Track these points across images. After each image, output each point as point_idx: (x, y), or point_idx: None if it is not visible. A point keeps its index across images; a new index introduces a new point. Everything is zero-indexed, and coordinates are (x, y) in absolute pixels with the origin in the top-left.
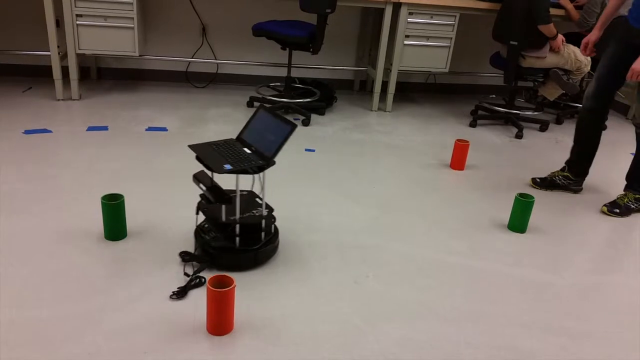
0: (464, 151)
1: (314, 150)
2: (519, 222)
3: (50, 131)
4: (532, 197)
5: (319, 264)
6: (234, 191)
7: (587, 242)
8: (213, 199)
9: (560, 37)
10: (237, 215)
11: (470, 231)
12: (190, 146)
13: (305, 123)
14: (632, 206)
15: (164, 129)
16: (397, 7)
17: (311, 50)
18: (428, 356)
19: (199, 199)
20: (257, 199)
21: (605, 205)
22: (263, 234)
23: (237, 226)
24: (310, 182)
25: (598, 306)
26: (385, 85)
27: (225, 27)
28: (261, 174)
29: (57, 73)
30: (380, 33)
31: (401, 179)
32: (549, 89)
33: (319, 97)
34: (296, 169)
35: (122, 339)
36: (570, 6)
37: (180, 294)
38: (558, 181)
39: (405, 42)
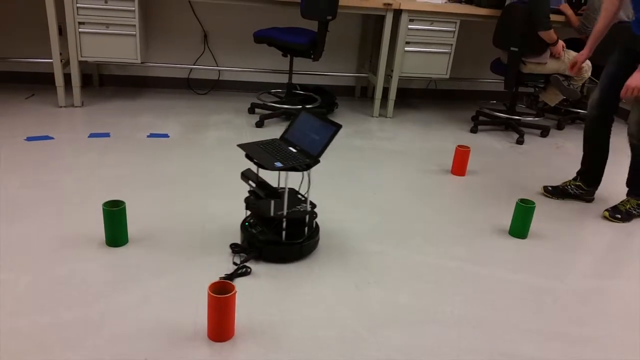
0: (465, 157)
1: None
2: (520, 227)
3: (52, 138)
4: (533, 203)
5: (320, 270)
6: (280, 188)
7: (588, 247)
8: (264, 194)
9: (561, 42)
10: (285, 211)
11: (471, 237)
12: (239, 145)
13: None
14: (634, 212)
15: (166, 136)
16: (397, 13)
17: (312, 56)
18: None
19: (199, 206)
20: (299, 196)
21: (606, 210)
22: (306, 228)
23: (284, 221)
24: (310, 189)
25: (599, 311)
26: (386, 91)
27: (226, 34)
28: (307, 172)
29: (59, 80)
30: (381, 39)
31: (403, 185)
32: (549, 94)
33: (320, 104)
34: (296, 175)
35: (123, 345)
36: (570, 12)
37: (228, 279)
38: (570, 190)
39: (406, 48)
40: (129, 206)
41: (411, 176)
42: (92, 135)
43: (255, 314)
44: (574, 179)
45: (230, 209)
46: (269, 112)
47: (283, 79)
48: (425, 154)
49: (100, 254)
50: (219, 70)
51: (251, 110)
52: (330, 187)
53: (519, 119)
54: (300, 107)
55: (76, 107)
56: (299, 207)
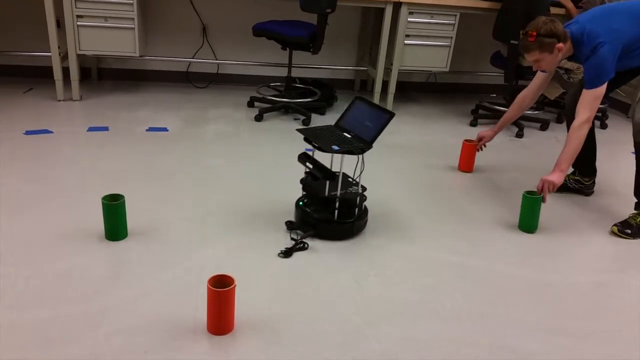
0: (472, 152)
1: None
2: (528, 220)
3: (51, 132)
4: (539, 195)
5: (320, 263)
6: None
7: (591, 242)
8: (321, 176)
9: None
10: (339, 191)
11: (475, 231)
12: (298, 129)
13: (306, 123)
14: None
15: (165, 129)
16: (397, 6)
17: (311, 50)
18: (429, 356)
19: (200, 199)
20: (349, 179)
21: (615, 225)
22: (357, 209)
23: (337, 201)
24: None
25: (601, 305)
26: (385, 84)
27: (225, 27)
28: (360, 156)
29: (57, 74)
30: (381, 33)
31: (404, 178)
32: (549, 88)
33: (320, 97)
34: (296, 170)
35: (123, 339)
36: (570, 5)
37: (287, 254)
38: (569, 185)
39: (405, 41)
40: (128, 200)
41: (413, 170)
42: (91, 129)
43: (255, 307)
44: (572, 173)
45: (230, 202)
46: (268, 105)
47: (282, 72)
48: (426, 147)
49: (100, 248)
50: (218, 64)
51: (250, 104)
52: None
53: None
54: (299, 100)
55: (75, 100)
56: (350, 189)
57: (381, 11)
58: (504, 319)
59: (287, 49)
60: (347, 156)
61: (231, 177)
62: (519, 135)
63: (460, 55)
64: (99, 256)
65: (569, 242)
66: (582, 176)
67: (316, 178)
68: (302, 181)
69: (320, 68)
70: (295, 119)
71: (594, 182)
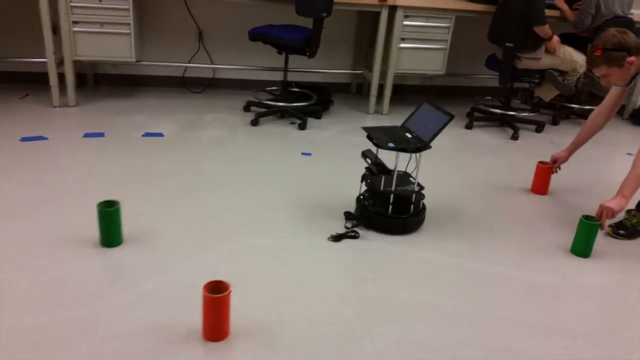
0: (547, 174)
1: (310, 154)
2: (582, 245)
3: (47, 138)
4: (597, 222)
5: (317, 267)
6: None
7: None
8: (376, 170)
9: (556, 38)
10: (393, 187)
11: (470, 233)
12: (363, 127)
13: (302, 127)
14: None
15: (161, 135)
16: (392, 10)
17: (307, 54)
18: (425, 358)
19: (196, 203)
20: (411, 179)
21: (610, 225)
22: (412, 206)
23: (392, 196)
24: (307, 186)
25: (598, 306)
26: (381, 88)
27: (221, 32)
28: (418, 154)
29: (53, 80)
30: (376, 36)
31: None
32: (544, 90)
33: (316, 101)
34: (292, 174)
35: (118, 345)
36: (565, 7)
37: (337, 239)
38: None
39: (401, 45)
40: (124, 206)
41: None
42: (86, 135)
43: (251, 312)
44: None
45: (227, 207)
46: (265, 110)
47: (278, 76)
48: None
49: (95, 255)
50: (214, 69)
51: (246, 109)
52: (326, 185)
53: (514, 115)
54: (295, 104)
55: (71, 106)
56: (407, 187)
57: (377, 15)
58: (500, 320)
59: (283, 53)
60: (422, 157)
61: (227, 181)
62: (515, 137)
63: (455, 58)
64: (94, 262)
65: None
66: None
67: (373, 173)
68: (362, 176)
69: (317, 72)
70: (291, 123)
71: None
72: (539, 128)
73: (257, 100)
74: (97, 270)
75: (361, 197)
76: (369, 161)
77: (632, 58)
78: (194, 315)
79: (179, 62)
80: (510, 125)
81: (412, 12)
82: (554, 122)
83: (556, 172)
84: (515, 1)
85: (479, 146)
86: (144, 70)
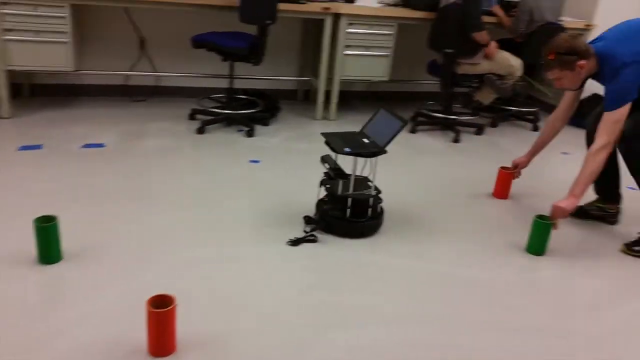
0: (509, 179)
1: (259, 162)
2: (536, 244)
3: None
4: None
5: (265, 276)
6: (357, 176)
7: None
8: (333, 174)
9: (493, 43)
10: (350, 191)
11: (428, 235)
12: (322, 133)
13: (249, 134)
14: None
15: (102, 145)
16: (336, 18)
17: (253, 61)
18: None
19: (139, 216)
20: (369, 183)
21: (626, 244)
22: (370, 210)
23: (349, 200)
24: (255, 194)
25: (537, 301)
26: (328, 94)
27: (164, 39)
28: (374, 159)
29: None
30: (322, 44)
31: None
32: (483, 93)
33: (263, 108)
34: (240, 182)
35: None
36: (501, 13)
37: (295, 243)
38: (592, 212)
39: (346, 52)
40: (63, 221)
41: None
42: (22, 148)
43: (198, 325)
44: (596, 200)
45: (171, 219)
46: (211, 117)
47: (224, 83)
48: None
49: (33, 272)
50: (157, 76)
51: (192, 117)
52: (275, 192)
53: (456, 119)
54: (242, 111)
55: (5, 118)
56: (365, 191)
57: (321, 22)
58: (450, 319)
59: (228, 60)
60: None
61: (173, 192)
62: (456, 140)
63: (399, 64)
64: (33, 280)
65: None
66: (605, 203)
67: (330, 177)
68: (321, 181)
69: (263, 79)
70: (238, 131)
71: (618, 211)
72: (479, 131)
73: (202, 108)
74: (36, 289)
75: (321, 201)
76: (327, 166)
77: (582, 62)
78: (139, 331)
79: (121, 71)
80: (452, 129)
81: (356, 19)
82: (493, 125)
83: (517, 177)
84: (453, 8)
85: (424, 150)
86: (83, 80)
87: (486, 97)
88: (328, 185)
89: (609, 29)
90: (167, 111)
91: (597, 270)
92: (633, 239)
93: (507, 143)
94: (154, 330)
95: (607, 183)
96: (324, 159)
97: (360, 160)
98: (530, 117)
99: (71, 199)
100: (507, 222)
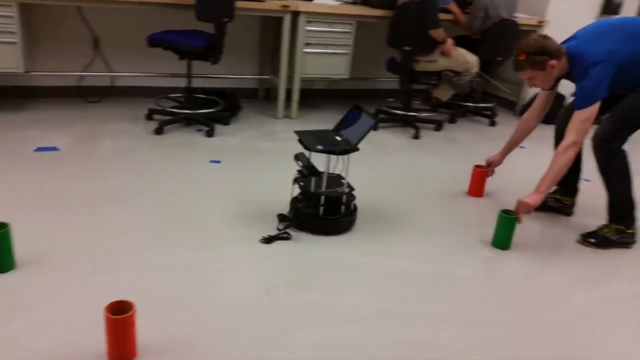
0: (483, 178)
1: (220, 162)
2: (502, 238)
3: None
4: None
5: (227, 278)
6: (330, 173)
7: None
8: (306, 172)
9: (450, 40)
10: (323, 189)
11: (399, 232)
12: (295, 131)
13: (209, 134)
14: (613, 238)
15: (55, 149)
16: (295, 15)
17: (211, 59)
18: (344, 358)
19: (96, 221)
20: (342, 180)
21: (582, 234)
22: (343, 207)
23: (322, 197)
24: (217, 195)
25: (510, 295)
26: (289, 92)
27: (119, 38)
28: (346, 157)
29: None
30: (281, 42)
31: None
32: (441, 90)
33: (223, 107)
34: (201, 183)
35: None
36: (457, 11)
37: (268, 241)
38: (549, 203)
39: (305, 50)
40: (16, 228)
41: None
42: None
43: (160, 330)
44: (554, 192)
45: (129, 223)
46: (169, 117)
47: (182, 83)
48: None
49: None
50: (112, 76)
51: (149, 117)
52: (236, 192)
53: (415, 115)
54: (202, 111)
55: None
56: (338, 188)
57: (280, 20)
58: (412, 314)
59: (185, 59)
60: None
61: (131, 195)
62: (416, 136)
63: (359, 62)
64: None
65: (462, 235)
66: (563, 195)
67: (304, 175)
68: (294, 178)
69: (223, 78)
70: (198, 131)
71: (574, 203)
72: (438, 127)
73: (160, 108)
74: None
75: (295, 198)
76: (301, 164)
77: (553, 61)
78: (98, 338)
79: (74, 71)
80: (412, 126)
81: (315, 17)
82: (452, 121)
83: (491, 175)
84: (410, 6)
85: (387, 146)
86: (34, 81)
87: (444, 93)
88: (302, 183)
89: (581, 29)
90: (123, 112)
91: (555, 262)
92: (588, 231)
93: (466, 138)
94: (113, 337)
95: (568, 176)
96: (297, 157)
97: (334, 158)
98: (487, 112)
99: (24, 205)
100: (478, 219)
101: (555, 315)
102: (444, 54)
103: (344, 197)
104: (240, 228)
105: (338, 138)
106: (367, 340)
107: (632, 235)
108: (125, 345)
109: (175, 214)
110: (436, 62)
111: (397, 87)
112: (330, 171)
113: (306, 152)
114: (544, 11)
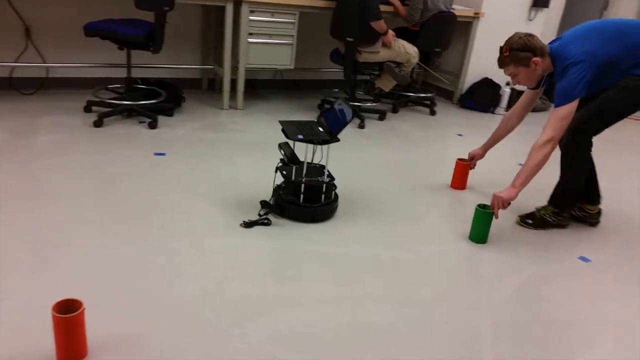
0: (466, 171)
1: (164, 154)
2: (478, 232)
3: None
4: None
5: (177, 271)
6: (314, 164)
7: (439, 217)
8: (287, 160)
9: (391, 32)
10: (303, 177)
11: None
12: (280, 121)
13: (152, 126)
14: (550, 220)
15: None
16: (238, 5)
17: (151, 49)
18: (299, 345)
19: (34, 218)
20: (324, 170)
21: (520, 215)
22: (323, 196)
23: (302, 186)
24: (162, 188)
25: (439, 275)
26: (234, 82)
27: (53, 27)
28: (325, 147)
29: None
30: (224, 31)
31: (262, 175)
32: (383, 81)
33: (165, 98)
34: (145, 176)
35: None
36: (397, 3)
37: (249, 225)
38: (574, 213)
39: (249, 39)
40: None
41: (268, 167)
42: None
43: (110, 327)
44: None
45: (71, 219)
46: (109, 109)
47: (121, 73)
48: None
49: None
50: (47, 67)
51: (87, 109)
52: (183, 185)
53: (360, 105)
54: (143, 102)
55: None
56: (319, 178)
57: (222, 9)
58: (361, 297)
59: (125, 49)
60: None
61: (71, 190)
62: (361, 126)
63: (303, 52)
64: None
65: (414, 220)
66: (585, 204)
67: (285, 163)
68: (277, 167)
69: (165, 67)
70: (140, 122)
71: (599, 212)
72: (382, 116)
73: (99, 100)
74: None
75: (277, 186)
76: (283, 152)
77: (537, 59)
78: (46, 338)
79: (4, 62)
80: (357, 115)
81: (257, 7)
82: (394, 110)
83: (472, 168)
84: None
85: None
86: None
87: (386, 84)
88: (284, 172)
89: (568, 31)
90: (60, 104)
91: (500, 245)
92: (526, 212)
93: (407, 127)
94: (62, 337)
95: (586, 186)
96: (281, 146)
97: (318, 148)
98: (427, 102)
99: None
100: (457, 212)
101: (494, 293)
102: (386, 45)
103: (324, 186)
104: (188, 221)
105: (320, 129)
106: (317, 325)
107: (567, 218)
108: (75, 344)
109: (120, 208)
110: (378, 53)
111: (341, 78)
112: (313, 161)
113: (291, 143)
114: (480, 3)
